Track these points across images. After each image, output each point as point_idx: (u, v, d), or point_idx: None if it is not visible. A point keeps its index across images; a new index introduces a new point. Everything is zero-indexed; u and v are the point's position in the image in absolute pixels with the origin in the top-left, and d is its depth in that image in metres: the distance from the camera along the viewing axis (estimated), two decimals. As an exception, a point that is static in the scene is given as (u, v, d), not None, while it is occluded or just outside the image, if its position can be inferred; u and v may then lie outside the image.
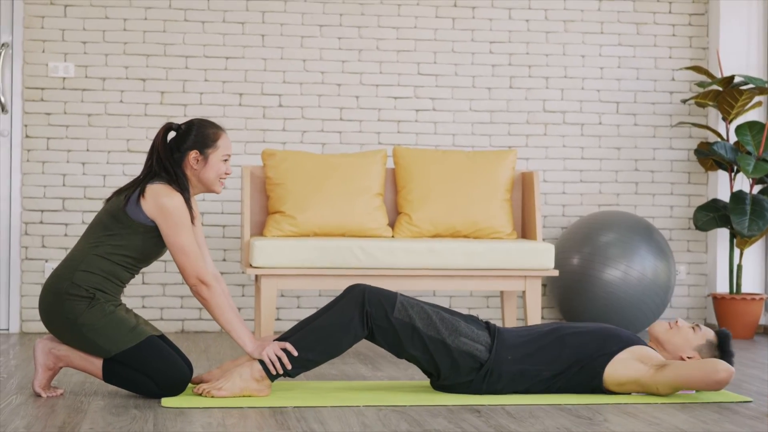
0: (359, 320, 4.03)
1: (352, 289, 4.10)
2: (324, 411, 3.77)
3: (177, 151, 4.10)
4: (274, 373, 3.99)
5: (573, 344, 4.11)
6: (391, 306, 4.05)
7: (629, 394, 4.10)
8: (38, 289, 6.06)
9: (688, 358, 4.16)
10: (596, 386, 4.09)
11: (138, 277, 6.18)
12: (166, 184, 4.02)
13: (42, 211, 6.16)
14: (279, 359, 3.98)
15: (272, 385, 4.21)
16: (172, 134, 4.18)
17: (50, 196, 6.16)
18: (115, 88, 6.21)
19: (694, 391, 4.17)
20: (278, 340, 4.05)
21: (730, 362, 4.13)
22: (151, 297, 6.23)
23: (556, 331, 4.15)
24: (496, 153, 5.69)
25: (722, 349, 4.17)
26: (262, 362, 3.99)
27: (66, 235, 6.15)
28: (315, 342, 4.01)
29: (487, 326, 4.17)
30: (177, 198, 3.99)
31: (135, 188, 4.03)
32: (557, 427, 3.53)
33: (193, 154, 4.09)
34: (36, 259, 6.14)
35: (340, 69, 6.39)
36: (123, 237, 4.00)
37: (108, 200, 4.09)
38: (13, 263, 6.13)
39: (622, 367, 4.07)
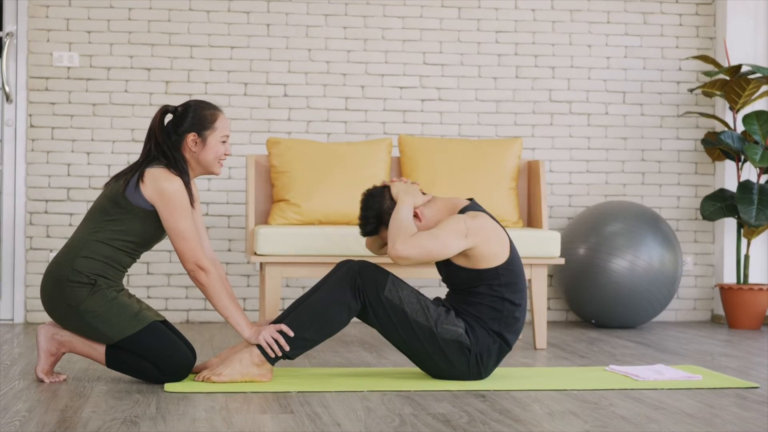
0: (352, 294, 4.00)
1: (343, 264, 4.09)
2: (328, 395, 3.75)
3: (175, 134, 4.06)
4: (272, 356, 3.96)
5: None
6: (383, 282, 4.02)
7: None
8: (43, 279, 6.05)
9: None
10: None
11: (143, 267, 6.17)
12: (164, 167, 3.99)
13: (46, 200, 6.14)
14: (276, 341, 3.96)
15: (275, 371, 4.20)
16: (169, 117, 4.14)
17: (55, 185, 6.15)
18: (119, 78, 6.20)
19: (700, 377, 4.16)
20: (274, 322, 4.03)
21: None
22: (156, 287, 6.21)
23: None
24: (501, 141, 5.67)
25: None
26: (260, 347, 3.97)
27: (70, 224, 6.13)
28: (310, 320, 3.98)
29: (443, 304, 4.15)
30: (176, 182, 3.96)
31: (134, 172, 4.00)
32: (562, 411, 3.51)
33: (191, 137, 4.06)
34: (40, 249, 6.13)
35: (346, 58, 6.37)
36: (123, 222, 3.97)
37: (107, 185, 4.06)
38: (17, 253, 6.11)
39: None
